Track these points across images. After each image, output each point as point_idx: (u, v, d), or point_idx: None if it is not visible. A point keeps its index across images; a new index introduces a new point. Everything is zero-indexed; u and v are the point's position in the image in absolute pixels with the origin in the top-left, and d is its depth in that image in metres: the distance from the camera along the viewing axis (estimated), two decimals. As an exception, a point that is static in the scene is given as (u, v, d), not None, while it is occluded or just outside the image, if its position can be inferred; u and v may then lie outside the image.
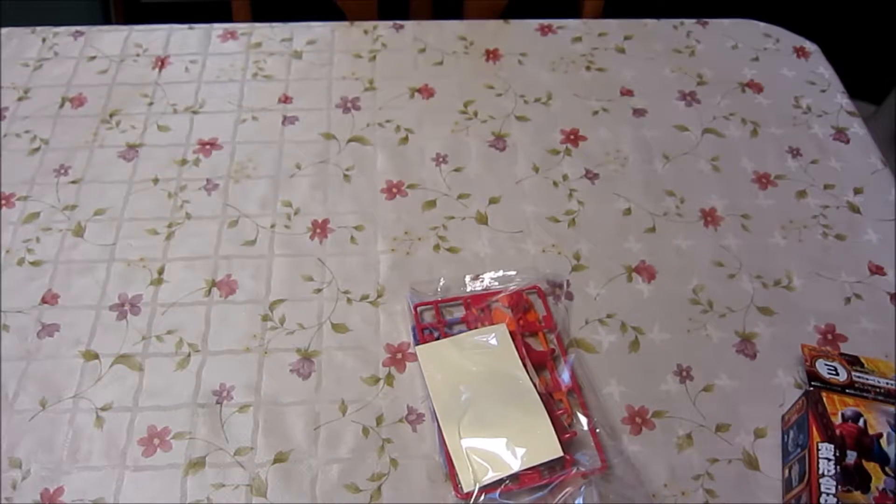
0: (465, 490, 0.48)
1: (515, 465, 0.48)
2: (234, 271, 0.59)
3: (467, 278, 0.58)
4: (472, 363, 0.53)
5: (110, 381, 0.53)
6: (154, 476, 0.49)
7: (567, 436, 0.50)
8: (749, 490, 0.49)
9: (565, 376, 0.53)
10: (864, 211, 0.65)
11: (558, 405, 0.52)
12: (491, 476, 0.48)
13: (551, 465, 0.49)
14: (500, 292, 0.57)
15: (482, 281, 0.58)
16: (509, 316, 0.55)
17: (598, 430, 0.51)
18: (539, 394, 0.51)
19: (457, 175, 0.66)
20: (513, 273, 0.58)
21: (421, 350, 0.54)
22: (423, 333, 0.55)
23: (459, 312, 0.57)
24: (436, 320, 0.56)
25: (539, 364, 0.54)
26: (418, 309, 0.57)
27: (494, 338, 0.54)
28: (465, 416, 0.50)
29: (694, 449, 0.51)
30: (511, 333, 0.54)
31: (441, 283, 0.58)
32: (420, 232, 0.62)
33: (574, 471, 0.49)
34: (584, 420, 0.51)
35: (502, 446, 0.49)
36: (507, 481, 0.48)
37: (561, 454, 0.49)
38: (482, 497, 0.48)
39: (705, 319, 0.58)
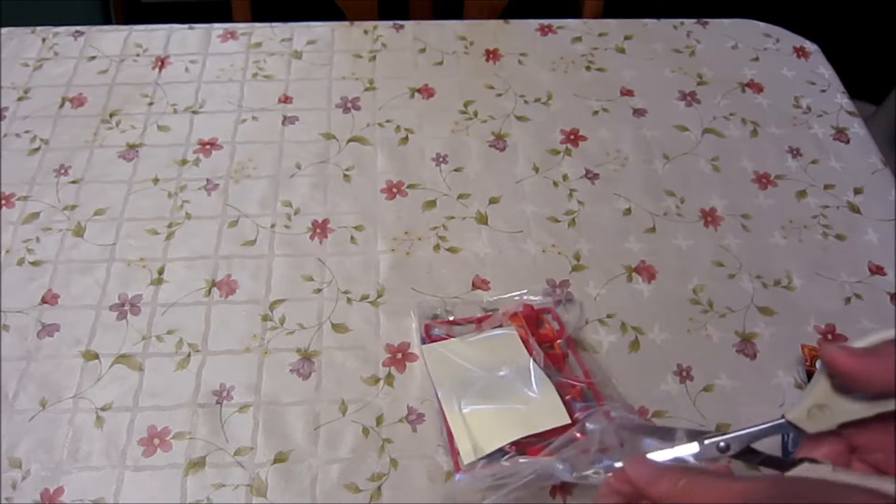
0: (466, 462, 0.46)
1: (519, 433, 0.47)
2: (234, 271, 0.59)
3: (482, 299, 0.57)
4: (478, 351, 0.52)
5: (110, 381, 0.53)
6: (154, 476, 0.49)
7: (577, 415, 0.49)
8: (749, 490, 0.49)
9: (578, 373, 0.53)
10: (864, 211, 0.65)
11: (570, 395, 0.51)
12: (493, 445, 0.46)
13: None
14: (511, 311, 0.55)
15: (493, 300, 0.57)
16: (522, 332, 0.54)
17: (613, 415, 0.49)
18: (548, 376, 0.50)
19: (457, 175, 0.66)
20: (525, 292, 0.57)
21: (426, 349, 0.53)
22: (431, 336, 0.55)
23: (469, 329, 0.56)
24: (445, 334, 0.55)
25: (552, 365, 0.53)
26: (429, 329, 0.56)
27: (503, 332, 0.53)
28: (468, 391, 0.49)
29: (694, 449, 0.51)
30: (522, 339, 0.53)
31: (448, 302, 0.57)
32: (420, 232, 0.62)
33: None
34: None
35: (505, 416, 0.48)
36: (513, 454, 0.47)
37: (568, 421, 0.47)
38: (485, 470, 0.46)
39: (705, 319, 0.58)
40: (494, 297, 0.58)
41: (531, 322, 0.55)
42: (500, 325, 0.55)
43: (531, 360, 0.51)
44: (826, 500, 0.28)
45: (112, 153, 0.67)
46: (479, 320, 0.56)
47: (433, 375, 0.52)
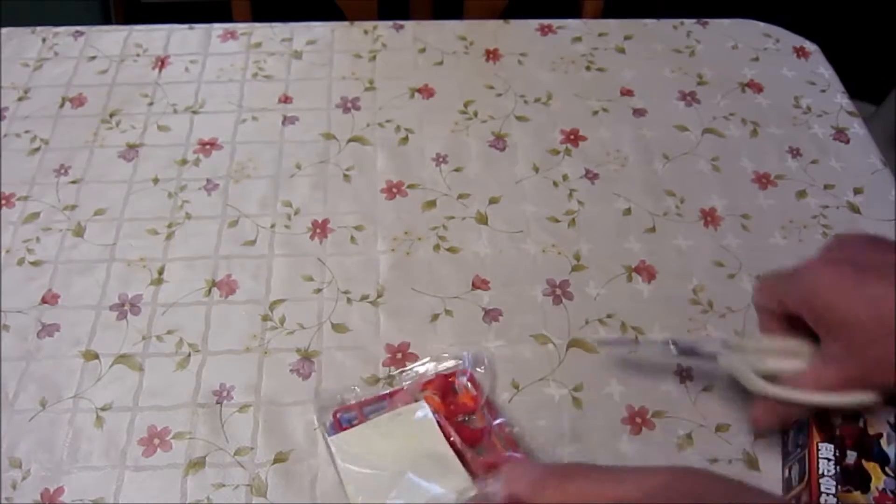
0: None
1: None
2: (234, 271, 0.59)
3: (382, 379, 0.54)
4: (390, 441, 0.48)
5: (110, 381, 0.53)
6: (154, 476, 0.49)
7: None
8: (749, 490, 0.49)
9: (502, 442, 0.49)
10: (864, 211, 0.65)
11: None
12: None
13: None
14: (426, 382, 0.51)
15: (399, 373, 0.53)
16: (438, 401, 0.50)
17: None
18: (466, 465, 0.46)
19: (457, 175, 0.66)
20: (429, 360, 0.54)
21: (334, 441, 0.48)
22: (341, 425, 0.49)
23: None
24: (356, 416, 0.50)
25: (475, 441, 0.49)
26: (338, 415, 0.50)
27: (418, 416, 0.49)
28: (377, 494, 0.46)
29: (694, 449, 0.51)
30: (442, 416, 0.49)
31: (348, 387, 0.52)
32: (420, 232, 0.62)
33: None
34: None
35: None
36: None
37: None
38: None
39: (705, 319, 0.57)
40: (399, 371, 0.54)
41: (446, 391, 0.51)
42: (416, 400, 0.50)
43: (449, 452, 0.47)
44: (718, 499, 0.28)
45: (112, 153, 0.67)
46: (391, 395, 0.51)
47: (342, 473, 0.47)
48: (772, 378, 0.46)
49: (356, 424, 0.49)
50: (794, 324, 0.44)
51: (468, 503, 0.41)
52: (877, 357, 0.39)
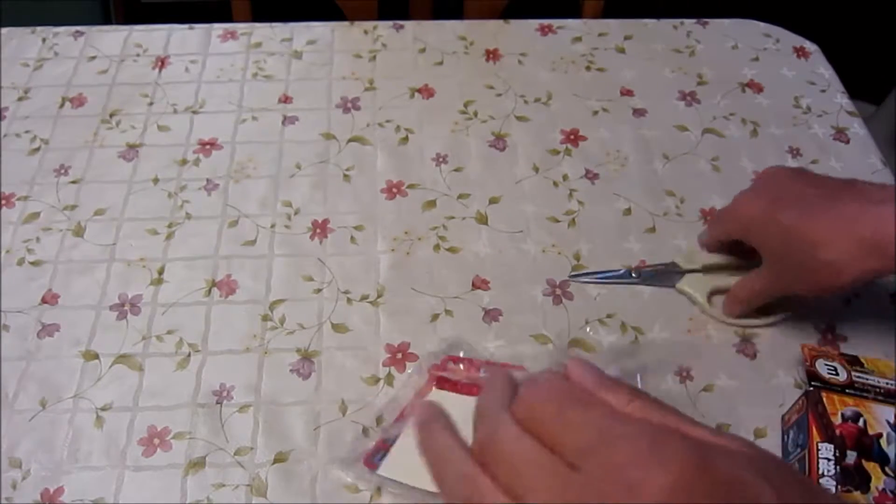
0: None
1: None
2: (234, 271, 0.59)
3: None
4: None
5: (110, 381, 0.53)
6: (154, 476, 0.49)
7: None
8: (749, 490, 0.49)
9: None
10: (864, 211, 0.64)
11: None
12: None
13: None
14: (424, 386, 0.52)
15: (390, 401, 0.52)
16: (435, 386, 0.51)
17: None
18: None
19: (457, 175, 0.66)
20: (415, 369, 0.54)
21: (383, 471, 0.48)
22: (375, 464, 0.49)
23: None
24: (384, 450, 0.49)
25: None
26: (371, 460, 0.49)
27: (434, 400, 0.49)
28: None
29: (694, 449, 0.51)
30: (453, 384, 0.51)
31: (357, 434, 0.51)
32: (420, 232, 0.62)
33: None
34: None
35: None
36: None
37: None
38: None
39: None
40: (388, 400, 0.52)
41: (444, 378, 0.52)
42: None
43: None
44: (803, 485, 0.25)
45: (112, 153, 0.67)
46: (400, 416, 0.51)
47: (405, 481, 0.47)
48: (720, 291, 0.57)
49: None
50: (737, 247, 0.56)
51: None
52: (790, 266, 0.50)
